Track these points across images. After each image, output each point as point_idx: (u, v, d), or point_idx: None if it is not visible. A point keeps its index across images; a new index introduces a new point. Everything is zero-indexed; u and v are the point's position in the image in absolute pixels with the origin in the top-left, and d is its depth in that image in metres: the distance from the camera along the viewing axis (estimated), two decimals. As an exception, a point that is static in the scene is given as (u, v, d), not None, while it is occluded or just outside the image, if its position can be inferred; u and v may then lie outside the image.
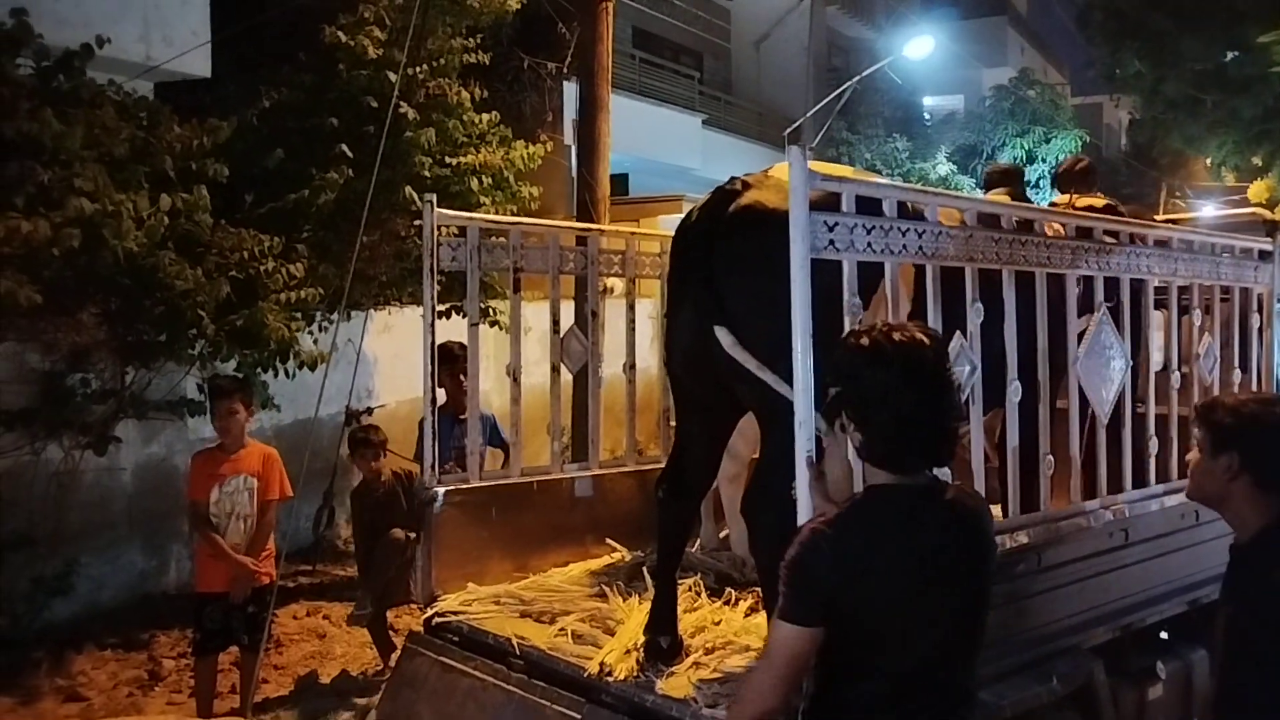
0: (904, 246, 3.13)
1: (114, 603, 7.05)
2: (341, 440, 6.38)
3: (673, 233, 3.81)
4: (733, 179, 3.50)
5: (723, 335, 3.34)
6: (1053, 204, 5.22)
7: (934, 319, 3.19)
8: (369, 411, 7.08)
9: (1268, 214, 5.30)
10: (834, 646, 2.25)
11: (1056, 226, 3.81)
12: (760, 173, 3.51)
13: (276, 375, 6.78)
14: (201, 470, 5.33)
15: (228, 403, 5.27)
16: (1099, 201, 5.14)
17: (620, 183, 14.59)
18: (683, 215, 3.78)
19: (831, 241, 2.92)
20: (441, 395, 5.26)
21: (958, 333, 3.28)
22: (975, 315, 3.35)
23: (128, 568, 7.24)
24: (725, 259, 3.34)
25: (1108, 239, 3.90)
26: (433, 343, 4.44)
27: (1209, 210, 12.75)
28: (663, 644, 3.51)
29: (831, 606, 2.19)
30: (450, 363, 5.37)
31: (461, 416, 5.28)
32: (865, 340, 2.32)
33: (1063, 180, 5.70)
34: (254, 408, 5.53)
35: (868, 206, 3.04)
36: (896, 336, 2.28)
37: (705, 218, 3.48)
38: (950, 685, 2.31)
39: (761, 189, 3.36)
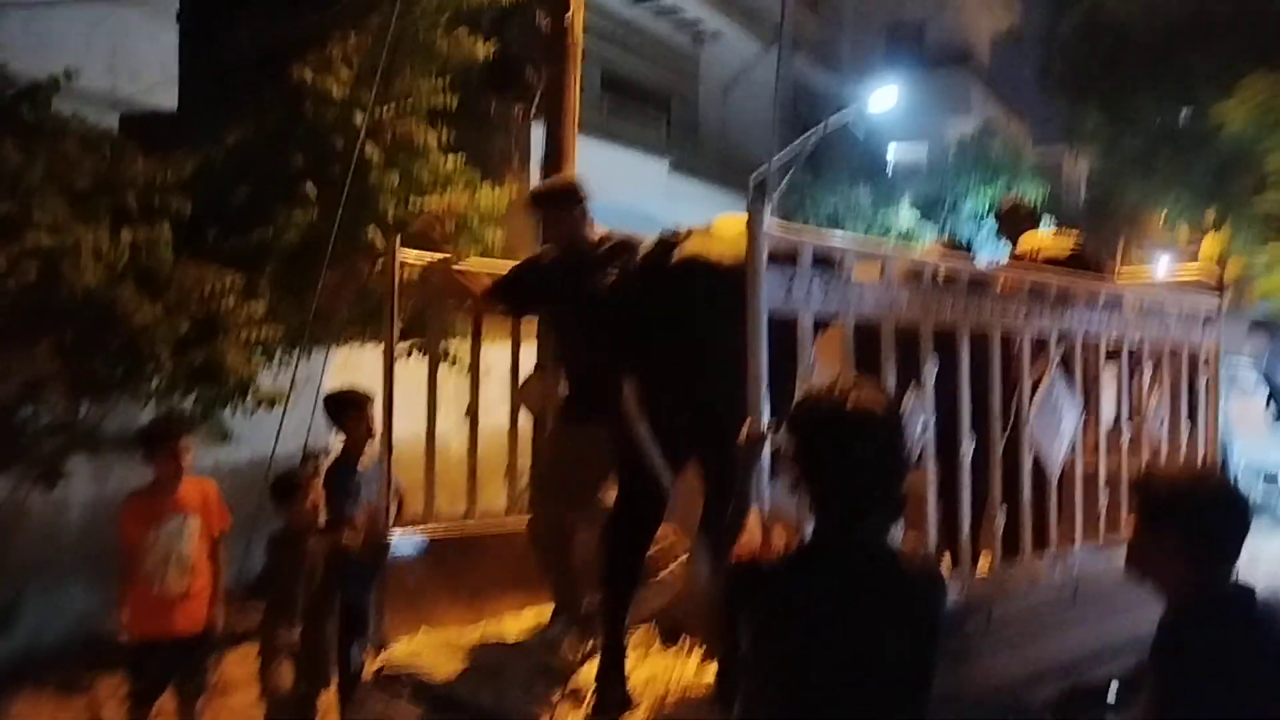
0: (861, 301, 3.19)
1: (56, 643, 6.87)
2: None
3: None
4: (674, 228, 3.54)
5: (627, 388, 3.39)
6: (1015, 255, 5.09)
7: (888, 376, 3.24)
8: (327, 451, 7.02)
9: (1214, 274, 5.40)
10: (765, 700, 2.31)
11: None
12: (703, 224, 3.55)
13: (235, 412, 6.71)
14: (136, 515, 5.00)
15: (173, 443, 4.98)
16: (1066, 244, 4.87)
17: (586, 224, 14.63)
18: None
19: (789, 295, 2.97)
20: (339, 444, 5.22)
21: (912, 384, 3.34)
22: (931, 369, 3.41)
23: (72, 608, 7.07)
24: (666, 306, 3.36)
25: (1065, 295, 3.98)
26: (390, 384, 4.43)
27: (1164, 263, 13.03)
28: (613, 695, 3.49)
29: (749, 621, 2.36)
30: (354, 409, 5.17)
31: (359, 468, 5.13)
32: (811, 401, 2.35)
33: (1006, 222, 5.53)
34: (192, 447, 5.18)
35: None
36: (843, 397, 2.30)
37: (646, 265, 3.50)
38: None
39: (704, 238, 3.40)
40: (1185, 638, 2.24)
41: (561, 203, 4.08)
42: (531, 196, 4.37)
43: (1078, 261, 4.71)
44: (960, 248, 4.82)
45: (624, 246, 3.89)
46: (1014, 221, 5.47)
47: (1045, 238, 5.09)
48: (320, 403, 5.42)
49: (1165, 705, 2.22)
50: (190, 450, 5.06)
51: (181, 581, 4.94)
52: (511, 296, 4.32)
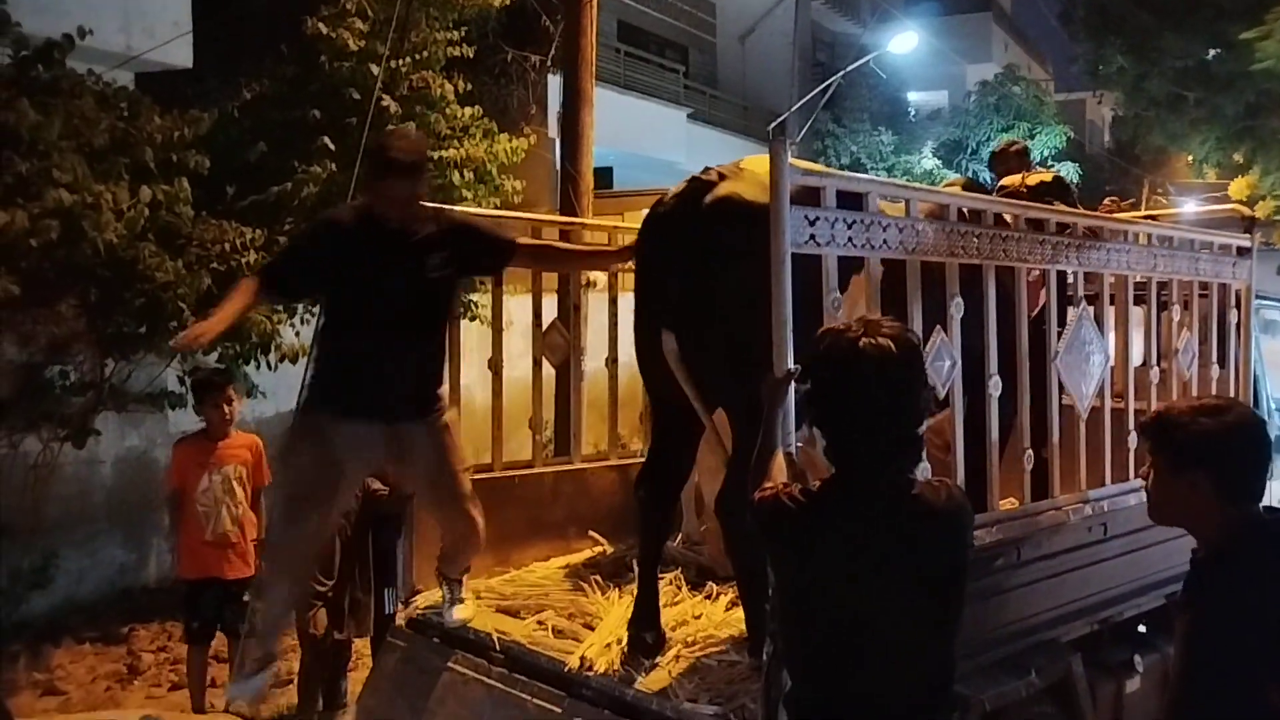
0: (884, 241, 3.14)
1: (93, 596, 7.01)
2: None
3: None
4: (707, 169, 3.47)
5: (668, 340, 3.36)
6: (1001, 186, 5.16)
7: (914, 316, 3.20)
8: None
9: (1245, 210, 5.30)
10: (795, 637, 2.33)
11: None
12: (732, 164, 3.48)
13: (258, 368, 6.76)
14: (188, 459, 5.34)
15: (222, 393, 5.36)
16: (1048, 176, 5.11)
17: (604, 176, 14.55)
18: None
19: (812, 236, 2.94)
20: None
21: (938, 327, 3.30)
22: (956, 310, 3.37)
23: (107, 561, 7.20)
24: (701, 249, 3.31)
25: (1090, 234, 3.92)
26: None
27: (1190, 206, 12.84)
28: (647, 639, 3.50)
29: (775, 559, 2.44)
30: None
31: None
32: (824, 342, 2.33)
33: (998, 161, 5.69)
34: (240, 398, 5.59)
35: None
36: (854, 338, 2.27)
37: (679, 208, 3.45)
38: (916, 685, 2.32)
39: (737, 180, 3.34)
40: (1223, 571, 2.21)
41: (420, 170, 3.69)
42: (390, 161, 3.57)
43: (1059, 184, 4.94)
44: (979, 188, 4.81)
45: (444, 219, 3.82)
46: (1004, 161, 5.61)
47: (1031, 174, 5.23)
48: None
49: (1198, 640, 2.20)
50: (237, 401, 5.36)
51: (232, 528, 5.28)
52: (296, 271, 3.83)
